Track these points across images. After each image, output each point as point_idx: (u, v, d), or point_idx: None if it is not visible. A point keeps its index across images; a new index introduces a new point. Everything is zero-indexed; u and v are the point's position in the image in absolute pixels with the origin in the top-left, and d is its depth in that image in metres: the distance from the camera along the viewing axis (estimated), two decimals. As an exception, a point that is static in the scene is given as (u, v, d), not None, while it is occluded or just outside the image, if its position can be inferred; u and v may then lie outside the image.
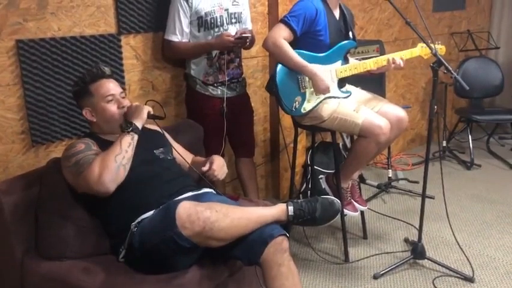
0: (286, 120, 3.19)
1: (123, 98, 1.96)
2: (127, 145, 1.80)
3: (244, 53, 2.82)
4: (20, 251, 1.86)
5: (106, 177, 1.72)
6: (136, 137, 1.84)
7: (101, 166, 1.73)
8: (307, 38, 2.40)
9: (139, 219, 1.79)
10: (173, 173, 1.97)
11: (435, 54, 2.31)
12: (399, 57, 2.44)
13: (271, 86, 2.44)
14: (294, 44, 2.39)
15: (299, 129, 2.76)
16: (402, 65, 2.43)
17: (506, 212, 3.25)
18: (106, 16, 2.40)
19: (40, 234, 1.87)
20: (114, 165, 1.74)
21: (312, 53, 2.42)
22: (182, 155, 2.09)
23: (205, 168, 2.00)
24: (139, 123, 1.87)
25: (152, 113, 1.94)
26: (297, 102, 2.43)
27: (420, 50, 2.51)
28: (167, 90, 2.75)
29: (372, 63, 2.46)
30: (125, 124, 1.86)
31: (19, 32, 2.14)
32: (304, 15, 2.35)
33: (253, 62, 3.12)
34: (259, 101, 3.22)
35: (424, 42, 2.36)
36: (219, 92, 2.63)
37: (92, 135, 1.97)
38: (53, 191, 1.89)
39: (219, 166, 2.03)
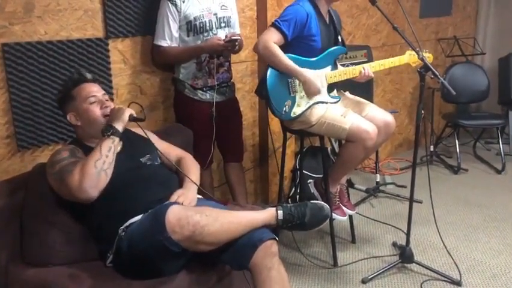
0: (275, 125, 3.19)
1: (106, 100, 1.95)
2: (107, 149, 1.77)
3: (233, 57, 2.82)
4: (4, 257, 1.82)
5: (86, 184, 1.70)
6: (116, 140, 1.82)
7: (81, 173, 1.71)
8: (299, 43, 2.41)
9: (127, 223, 1.77)
10: (161, 178, 1.95)
11: (422, 59, 2.33)
12: (388, 65, 2.50)
13: (262, 90, 2.45)
14: (287, 48, 2.40)
15: (288, 134, 2.76)
16: (371, 75, 2.50)
17: (493, 215, 3.28)
18: (94, 20, 2.39)
19: (25, 241, 1.84)
20: (94, 171, 1.72)
21: (302, 58, 2.43)
22: (167, 154, 2.07)
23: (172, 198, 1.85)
24: (119, 126, 1.84)
25: (134, 115, 1.91)
26: (287, 106, 2.44)
27: (408, 57, 2.54)
28: (156, 94, 2.73)
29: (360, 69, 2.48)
30: (105, 128, 1.84)
31: (5, 36, 2.12)
32: (295, 20, 2.36)
33: (242, 67, 3.12)
34: (248, 106, 3.22)
35: (411, 47, 2.39)
36: (208, 97, 2.62)
37: (77, 142, 1.96)
38: (38, 197, 1.87)
39: (186, 199, 1.86)
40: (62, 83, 2.04)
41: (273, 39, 2.35)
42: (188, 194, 1.88)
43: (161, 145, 2.10)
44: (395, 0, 3.96)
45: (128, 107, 1.94)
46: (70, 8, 2.29)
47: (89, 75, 1.96)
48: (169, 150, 2.12)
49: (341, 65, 2.68)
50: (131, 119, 1.89)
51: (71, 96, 1.91)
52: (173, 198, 1.82)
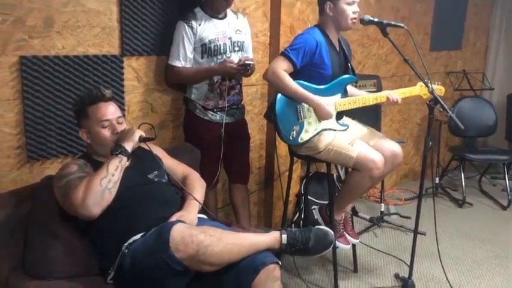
0: (282, 149, 3.21)
1: (120, 123, 1.95)
2: (114, 168, 1.79)
3: (244, 80, 2.86)
4: (6, 268, 1.82)
5: (89, 201, 1.71)
6: (124, 159, 1.83)
7: (86, 189, 1.73)
8: (310, 71, 2.44)
9: (131, 240, 1.77)
10: (167, 196, 1.96)
11: (431, 92, 2.35)
12: (398, 95, 2.50)
13: (270, 114, 2.47)
14: (297, 75, 2.43)
15: (295, 159, 2.77)
16: (399, 101, 2.50)
17: (497, 252, 3.24)
18: (110, 37, 2.44)
19: (28, 252, 1.84)
20: (99, 189, 1.73)
21: (313, 85, 2.45)
22: (173, 171, 2.08)
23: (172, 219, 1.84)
24: (129, 146, 1.86)
25: (144, 136, 1.93)
26: (294, 132, 2.45)
27: (419, 89, 2.56)
28: (166, 112, 2.77)
29: (371, 99, 2.51)
30: (114, 147, 1.86)
31: (23, 49, 2.17)
32: (304, 49, 2.39)
33: (252, 90, 3.16)
34: (256, 128, 3.25)
35: (421, 79, 2.41)
36: (218, 118, 2.66)
37: (87, 156, 1.98)
38: (44, 209, 1.88)
39: (186, 220, 1.82)
40: (81, 94, 2.05)
41: (282, 67, 2.38)
42: (188, 216, 1.87)
43: (168, 161, 2.12)
44: (406, 32, 4.01)
45: (139, 127, 1.96)
46: (88, 25, 2.34)
47: (108, 93, 1.96)
48: (176, 167, 2.14)
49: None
50: (141, 139, 1.92)
51: (86, 113, 1.93)
52: (173, 219, 1.81)
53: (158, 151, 2.10)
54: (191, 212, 1.91)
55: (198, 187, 2.07)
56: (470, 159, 4.27)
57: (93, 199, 1.72)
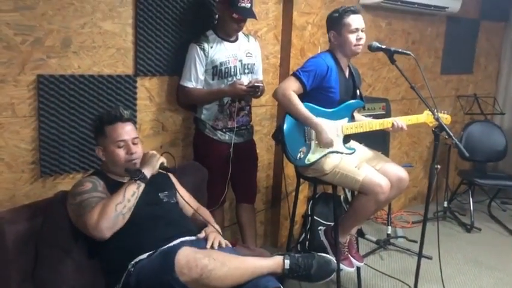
0: (289, 169, 3.24)
1: (135, 144, 2.00)
2: (130, 194, 1.83)
3: (254, 101, 2.91)
4: (16, 281, 1.86)
5: (103, 225, 1.76)
6: (142, 186, 1.87)
7: (100, 213, 1.77)
8: (318, 93, 2.49)
9: (137, 259, 1.81)
10: (174, 216, 2.01)
11: (437, 119, 2.38)
12: (404, 122, 2.53)
13: (278, 135, 2.52)
14: (306, 97, 2.48)
15: (301, 179, 2.80)
16: (405, 128, 2.54)
17: (505, 280, 3.21)
18: (125, 58, 2.51)
19: (38, 266, 1.89)
20: (113, 214, 1.78)
21: (320, 108, 2.50)
22: (187, 200, 2.13)
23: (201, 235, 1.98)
24: (148, 172, 1.90)
25: (165, 164, 1.98)
26: (301, 153, 2.49)
27: (426, 117, 2.60)
28: (177, 131, 2.82)
29: (378, 125, 2.54)
30: (134, 171, 1.90)
31: (41, 68, 2.24)
32: (315, 72, 2.45)
33: (261, 110, 3.21)
34: (264, 148, 3.29)
35: (427, 106, 2.44)
36: (227, 138, 2.71)
37: (100, 173, 2.03)
38: (56, 224, 1.92)
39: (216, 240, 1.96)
40: (101, 112, 2.12)
41: (292, 87, 2.43)
42: (217, 236, 1.96)
43: (183, 191, 2.17)
44: (417, 55, 4.05)
45: (162, 155, 2.00)
46: (104, 46, 2.42)
47: (126, 114, 2.01)
48: (190, 200, 2.18)
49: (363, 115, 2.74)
50: (161, 167, 1.97)
51: (104, 132, 1.98)
52: (210, 240, 1.91)
53: (174, 180, 2.17)
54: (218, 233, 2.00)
55: (210, 216, 2.18)
56: (479, 184, 4.24)
57: (107, 223, 1.76)
